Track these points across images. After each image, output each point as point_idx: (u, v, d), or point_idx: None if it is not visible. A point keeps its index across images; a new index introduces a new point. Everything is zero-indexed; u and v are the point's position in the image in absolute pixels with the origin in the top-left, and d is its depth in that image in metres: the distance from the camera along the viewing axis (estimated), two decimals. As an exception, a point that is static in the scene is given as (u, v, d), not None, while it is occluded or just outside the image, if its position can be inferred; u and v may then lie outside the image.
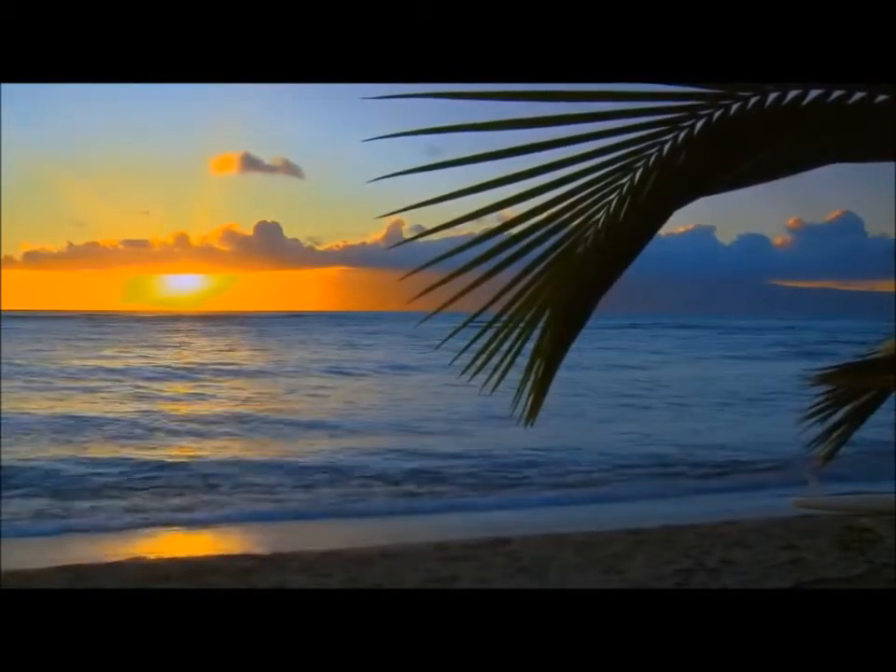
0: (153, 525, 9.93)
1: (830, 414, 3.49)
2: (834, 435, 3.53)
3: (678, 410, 21.16)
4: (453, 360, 1.95)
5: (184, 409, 20.95)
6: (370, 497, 11.49)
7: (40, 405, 20.27)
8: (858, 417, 3.50)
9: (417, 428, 17.40)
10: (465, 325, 1.84)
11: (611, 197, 1.73)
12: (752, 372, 33.47)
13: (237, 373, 30.54)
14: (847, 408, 3.48)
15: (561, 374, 1.99)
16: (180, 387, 25.42)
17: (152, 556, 8.39)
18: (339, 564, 7.41)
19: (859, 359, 3.50)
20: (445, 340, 1.90)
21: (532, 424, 1.99)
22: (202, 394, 24.10)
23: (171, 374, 29.49)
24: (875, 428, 3.83)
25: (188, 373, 30.17)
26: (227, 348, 45.31)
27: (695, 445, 15.58)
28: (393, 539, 8.78)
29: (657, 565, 7.23)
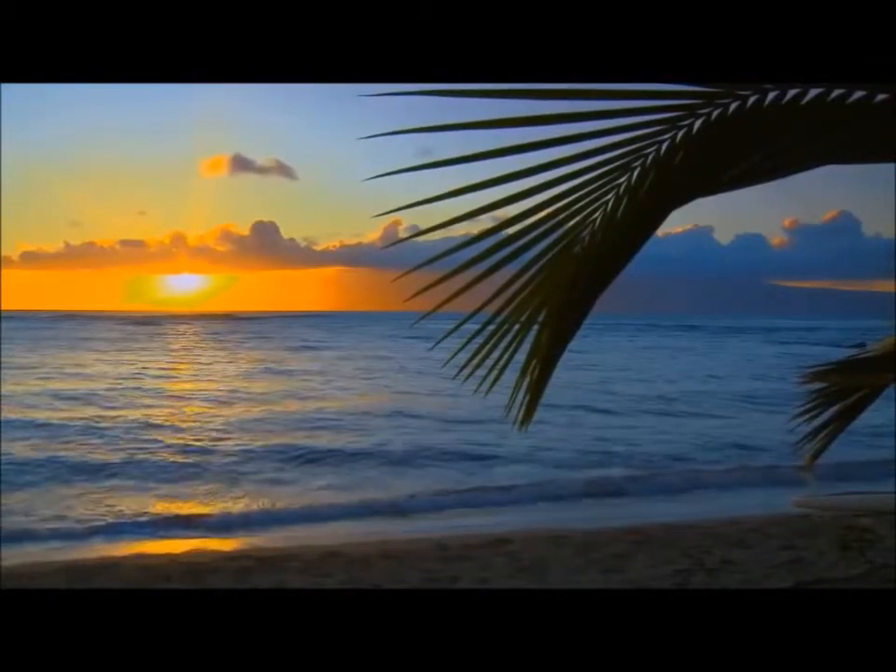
0: (154, 524, 9.93)
1: (819, 413, 3.50)
2: (823, 434, 3.54)
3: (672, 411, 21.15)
4: (447, 361, 1.94)
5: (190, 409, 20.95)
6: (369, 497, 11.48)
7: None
8: (847, 416, 3.51)
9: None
10: (459, 326, 1.83)
11: (608, 197, 1.72)
12: (747, 371, 33.53)
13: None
14: (837, 407, 3.49)
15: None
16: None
17: (152, 556, 8.39)
18: (339, 564, 7.41)
19: (854, 357, 3.51)
20: (440, 341, 1.89)
21: (528, 426, 1.97)
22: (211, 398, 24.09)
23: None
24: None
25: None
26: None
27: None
28: (393, 538, 8.78)
29: (657, 565, 7.23)
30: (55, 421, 17.58)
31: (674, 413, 20.68)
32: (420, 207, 1.68)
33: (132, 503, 10.82)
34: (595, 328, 66.29)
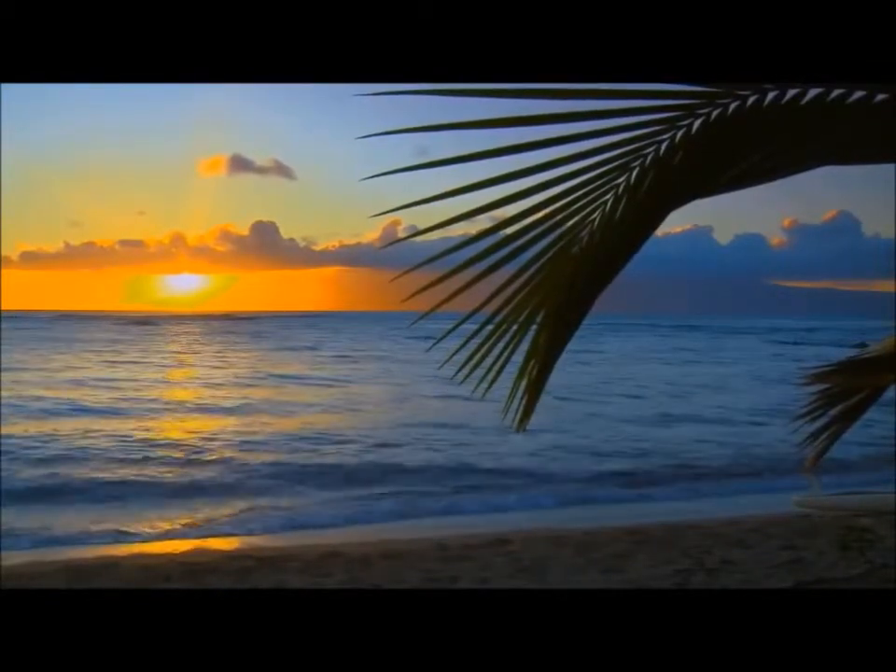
0: (156, 526, 9.93)
1: (821, 414, 3.50)
2: (825, 435, 3.54)
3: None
4: (444, 362, 1.94)
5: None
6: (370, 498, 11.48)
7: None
8: (849, 417, 3.51)
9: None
10: (457, 326, 1.82)
11: (607, 197, 1.72)
12: (747, 372, 33.56)
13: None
14: (839, 408, 3.48)
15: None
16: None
17: (152, 556, 8.39)
18: (339, 564, 7.41)
19: (855, 358, 3.50)
20: (437, 341, 1.88)
21: (525, 428, 1.96)
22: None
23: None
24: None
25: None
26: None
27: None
28: (393, 538, 8.78)
29: (657, 565, 7.23)
30: (52, 425, 17.54)
31: (673, 414, 20.70)
32: (418, 207, 1.67)
33: (127, 510, 10.78)
34: (594, 328, 66.35)
